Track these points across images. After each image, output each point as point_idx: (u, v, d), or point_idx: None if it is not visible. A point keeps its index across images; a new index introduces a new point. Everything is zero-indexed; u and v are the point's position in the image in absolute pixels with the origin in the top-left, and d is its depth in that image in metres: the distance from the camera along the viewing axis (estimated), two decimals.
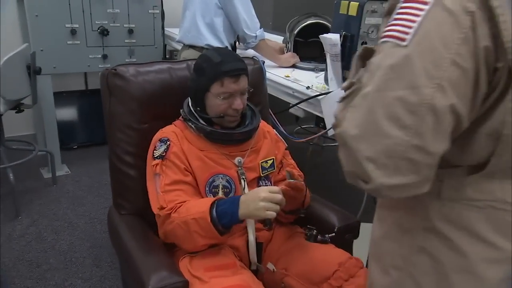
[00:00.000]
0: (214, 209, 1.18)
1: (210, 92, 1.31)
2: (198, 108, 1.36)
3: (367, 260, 1.73)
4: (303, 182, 1.31)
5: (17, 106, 2.32)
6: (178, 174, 1.28)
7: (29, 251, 2.09)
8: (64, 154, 2.99)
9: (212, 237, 1.20)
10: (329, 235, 1.39)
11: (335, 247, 1.36)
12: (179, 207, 1.23)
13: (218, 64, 1.29)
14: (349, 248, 1.48)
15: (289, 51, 2.31)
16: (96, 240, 2.20)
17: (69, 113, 3.32)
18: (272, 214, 1.15)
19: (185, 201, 1.24)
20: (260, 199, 1.15)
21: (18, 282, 1.88)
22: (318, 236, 1.38)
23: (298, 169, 1.54)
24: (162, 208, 1.24)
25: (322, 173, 3.23)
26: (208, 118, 1.35)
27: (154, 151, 1.33)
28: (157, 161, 1.30)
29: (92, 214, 2.44)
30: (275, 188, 1.20)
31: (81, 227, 2.31)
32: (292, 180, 1.27)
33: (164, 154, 1.30)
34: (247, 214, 1.18)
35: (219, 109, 1.32)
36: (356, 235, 1.50)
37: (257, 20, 2.24)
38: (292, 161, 1.55)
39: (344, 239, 1.45)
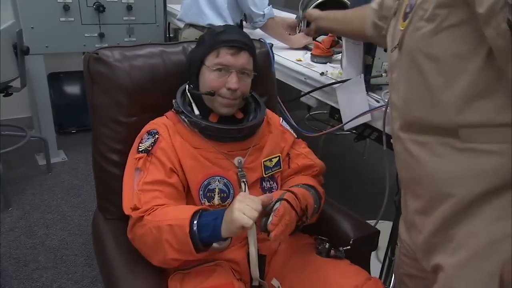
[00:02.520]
0: (197, 219, 0.98)
1: (205, 65, 1.14)
2: (192, 86, 1.19)
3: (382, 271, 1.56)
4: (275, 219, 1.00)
5: (5, 89, 2.14)
6: (161, 174, 1.09)
7: (17, 247, 1.95)
8: (61, 139, 2.84)
9: (185, 252, 0.99)
10: (344, 248, 1.21)
11: (351, 264, 1.18)
12: (155, 210, 1.03)
13: (218, 34, 1.14)
14: (366, 263, 1.30)
15: (302, 31, 2.08)
16: (90, 236, 2.01)
17: (67, 95, 3.13)
18: (246, 219, 0.93)
19: (164, 204, 1.05)
20: (235, 204, 0.96)
21: (2, 283, 1.74)
22: (332, 250, 1.20)
23: (310, 158, 1.33)
24: (135, 208, 1.04)
25: (335, 162, 3.04)
26: (200, 101, 1.18)
27: (140, 144, 1.15)
28: (141, 154, 1.12)
29: (88, 206, 2.28)
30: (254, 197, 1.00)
31: (74, 221, 2.16)
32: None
33: (150, 148, 1.12)
34: (227, 226, 0.96)
35: (211, 83, 1.13)
36: (374, 247, 1.32)
37: None
38: (304, 150, 1.34)
39: (361, 252, 1.27)
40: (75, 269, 1.85)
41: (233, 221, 0.94)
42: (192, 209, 1.01)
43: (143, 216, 1.02)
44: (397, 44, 0.85)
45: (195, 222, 0.97)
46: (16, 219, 2.14)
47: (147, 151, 1.12)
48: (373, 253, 1.35)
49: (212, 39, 1.14)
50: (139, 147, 1.14)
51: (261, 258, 1.17)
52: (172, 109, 1.21)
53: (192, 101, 1.19)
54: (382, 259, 1.87)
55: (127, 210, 1.07)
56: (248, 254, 1.14)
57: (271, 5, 2.04)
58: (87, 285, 1.77)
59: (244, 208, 0.94)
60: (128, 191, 1.10)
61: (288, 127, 1.36)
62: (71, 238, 2.04)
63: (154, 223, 1.00)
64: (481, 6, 0.63)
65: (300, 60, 1.81)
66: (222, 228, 0.96)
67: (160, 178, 1.08)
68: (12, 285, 1.73)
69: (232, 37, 1.13)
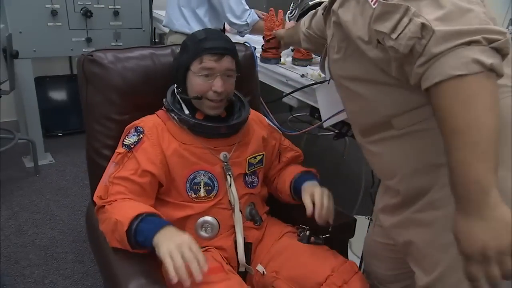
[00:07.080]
0: (138, 221, 1.06)
1: (190, 70, 1.22)
2: (180, 89, 1.27)
3: (361, 260, 1.67)
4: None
5: None
6: (132, 172, 1.17)
7: (7, 246, 1.98)
8: (48, 142, 2.87)
9: (124, 246, 1.09)
10: (323, 236, 1.31)
11: (329, 249, 1.28)
12: (116, 201, 1.14)
13: (201, 41, 1.21)
14: (344, 249, 1.40)
15: (293, 19, 2.16)
16: (80, 234, 2.09)
17: (53, 98, 3.16)
18: (170, 263, 0.96)
19: (127, 199, 1.15)
20: (175, 244, 0.99)
21: None
22: (312, 237, 1.29)
23: (295, 149, 1.49)
24: (101, 198, 1.17)
25: (316, 162, 3.13)
26: (189, 101, 1.26)
27: (126, 138, 1.23)
28: (123, 150, 1.21)
29: (76, 206, 2.33)
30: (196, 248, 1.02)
31: (63, 220, 2.21)
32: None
33: (132, 146, 1.20)
34: (161, 244, 1.01)
35: (198, 88, 1.22)
36: (351, 234, 1.42)
37: (243, 2, 2.09)
38: (287, 143, 1.48)
39: (339, 239, 1.37)
40: (65, 266, 1.89)
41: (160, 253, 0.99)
42: (143, 209, 1.09)
43: (105, 205, 1.14)
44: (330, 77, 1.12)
45: (135, 224, 1.05)
46: (5, 220, 2.17)
47: (129, 148, 1.20)
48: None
49: (196, 46, 1.21)
50: (124, 141, 1.22)
51: (247, 246, 1.27)
52: (163, 108, 1.30)
53: (181, 102, 1.27)
54: (356, 253, 1.98)
55: (95, 197, 1.19)
56: (235, 242, 1.25)
57: (252, 10, 2.12)
58: (78, 280, 1.82)
59: (175, 253, 0.97)
60: (102, 180, 1.21)
61: (274, 126, 1.49)
62: (60, 237, 2.08)
63: (110, 214, 1.11)
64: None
65: (283, 64, 1.91)
66: (155, 239, 1.02)
67: (129, 176, 1.16)
68: (4, 282, 1.77)
69: (214, 44, 1.20)
